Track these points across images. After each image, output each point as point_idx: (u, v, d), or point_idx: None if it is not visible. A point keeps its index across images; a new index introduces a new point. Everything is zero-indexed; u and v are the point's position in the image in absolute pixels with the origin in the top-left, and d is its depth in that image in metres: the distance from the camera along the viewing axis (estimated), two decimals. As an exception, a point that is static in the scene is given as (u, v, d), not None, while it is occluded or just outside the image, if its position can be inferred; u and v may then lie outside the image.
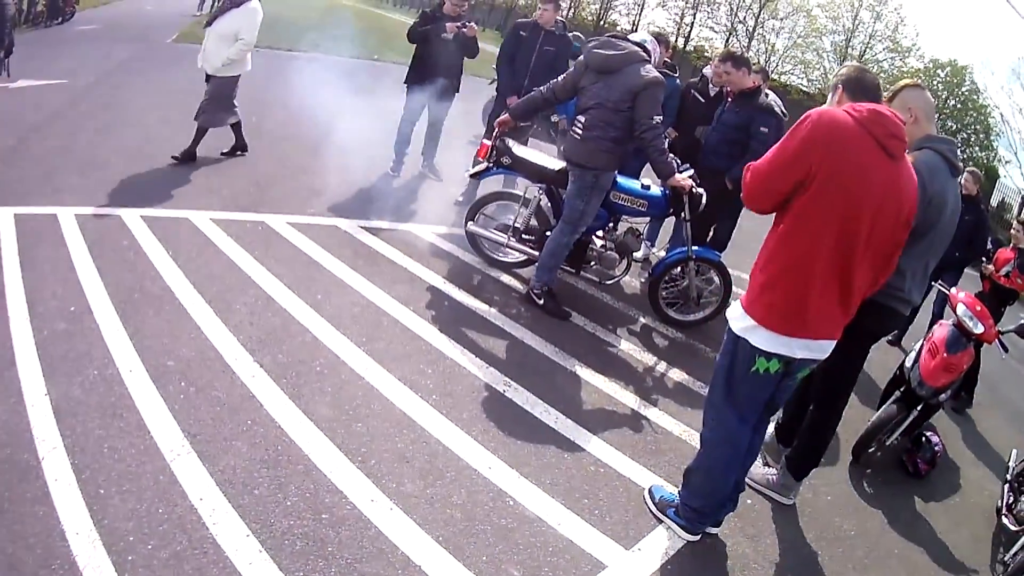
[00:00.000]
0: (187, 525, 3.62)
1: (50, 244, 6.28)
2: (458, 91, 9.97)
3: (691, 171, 7.00)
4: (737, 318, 3.88)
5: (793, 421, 5.40)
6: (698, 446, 4.33)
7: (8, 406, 4.20)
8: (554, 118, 9.79)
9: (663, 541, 4.33)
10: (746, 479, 4.87)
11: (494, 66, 10.05)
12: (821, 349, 3.80)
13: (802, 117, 3.55)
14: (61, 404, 4.29)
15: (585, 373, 6.06)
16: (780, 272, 3.65)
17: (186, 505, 3.75)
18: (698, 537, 4.38)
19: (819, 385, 4.95)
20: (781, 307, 3.66)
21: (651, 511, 4.49)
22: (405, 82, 9.81)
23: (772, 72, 41.54)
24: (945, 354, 5.81)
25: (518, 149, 7.41)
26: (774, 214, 3.77)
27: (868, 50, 49.34)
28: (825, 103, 4.05)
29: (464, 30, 9.38)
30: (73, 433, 4.07)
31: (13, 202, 6.93)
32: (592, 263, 7.43)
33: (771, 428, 5.67)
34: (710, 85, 8.78)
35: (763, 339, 3.72)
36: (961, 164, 4.50)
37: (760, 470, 5.11)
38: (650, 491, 4.61)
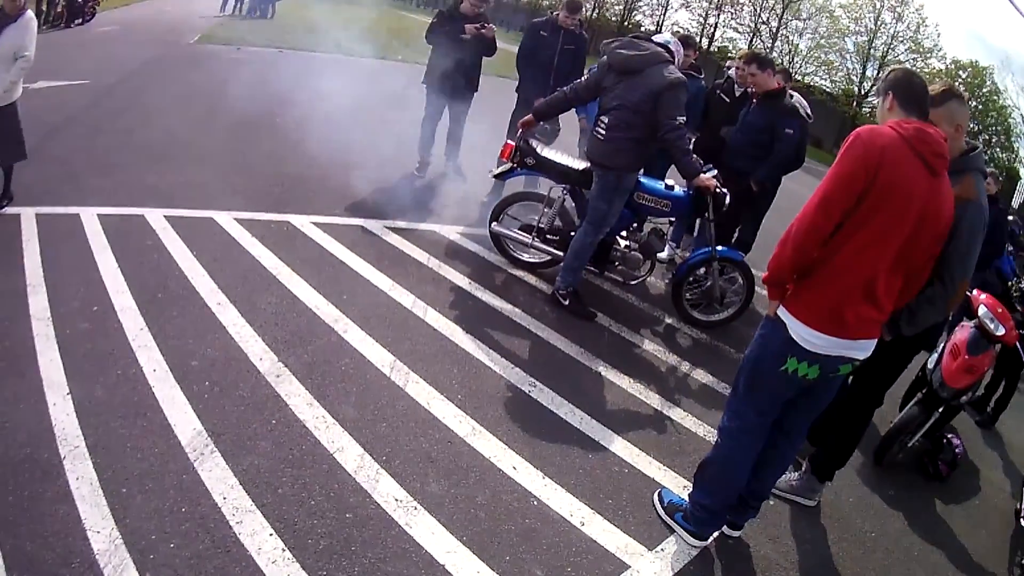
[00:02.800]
0: (210, 524, 3.62)
1: (73, 244, 6.31)
2: (476, 90, 9.92)
3: (715, 171, 6.95)
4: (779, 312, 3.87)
5: (825, 423, 5.39)
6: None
7: (29, 405, 4.22)
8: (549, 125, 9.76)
9: (684, 545, 4.30)
10: None
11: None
12: (861, 348, 3.77)
13: (850, 136, 3.56)
14: (83, 403, 4.30)
15: (610, 374, 6.03)
16: (820, 276, 3.65)
17: (209, 504, 3.75)
18: (706, 543, 4.33)
19: (853, 388, 4.93)
20: (818, 306, 3.66)
21: (659, 516, 4.47)
22: (423, 82, 9.78)
23: (795, 73, 41.44)
24: (966, 356, 5.76)
25: (542, 149, 7.40)
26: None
27: (890, 51, 49.38)
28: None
29: (483, 31, 9.36)
30: (95, 432, 4.08)
31: (35, 202, 6.98)
32: (616, 263, 7.39)
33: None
34: (735, 85, 8.76)
35: (801, 330, 3.70)
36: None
37: (782, 475, 5.08)
38: (659, 495, 4.58)
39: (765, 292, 4.01)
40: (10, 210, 6.76)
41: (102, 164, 8.57)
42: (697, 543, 4.31)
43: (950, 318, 5.64)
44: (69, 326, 5.09)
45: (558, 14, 9.22)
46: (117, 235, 6.58)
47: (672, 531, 4.36)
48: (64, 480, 3.72)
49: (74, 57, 15.33)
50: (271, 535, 3.63)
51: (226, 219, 7.43)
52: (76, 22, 21.62)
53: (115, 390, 4.49)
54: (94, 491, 3.68)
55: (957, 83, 44.34)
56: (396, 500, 4.04)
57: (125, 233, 6.68)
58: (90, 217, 6.86)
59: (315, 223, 7.82)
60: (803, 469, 5.08)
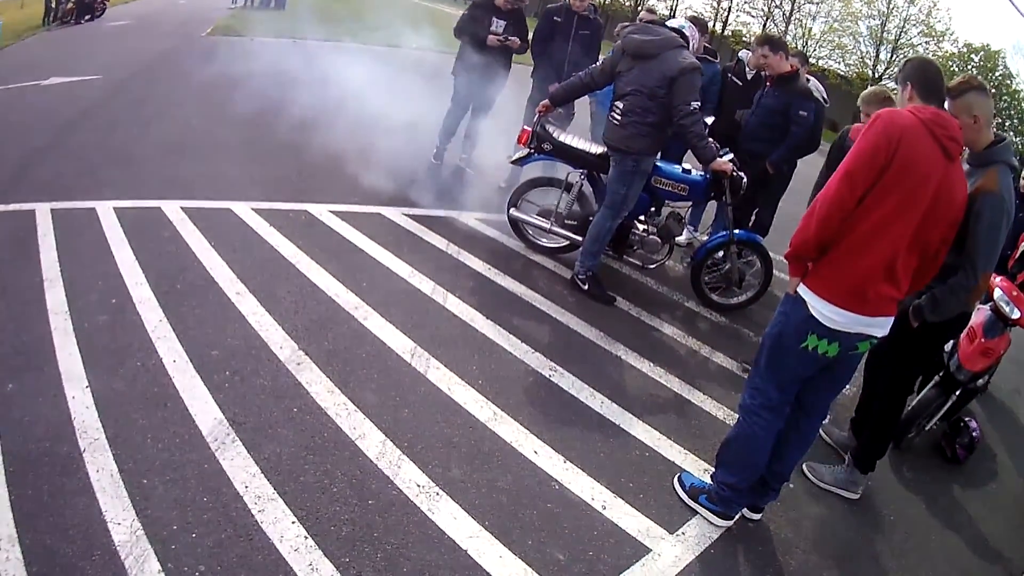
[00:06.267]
0: (232, 513, 3.63)
1: (89, 237, 6.32)
2: (504, 85, 9.79)
3: (731, 155, 6.94)
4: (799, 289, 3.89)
5: (865, 415, 5.38)
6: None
7: (48, 399, 4.23)
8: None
9: (706, 525, 4.30)
10: (812, 478, 5.03)
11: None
12: (880, 325, 3.80)
13: (871, 118, 3.65)
14: (103, 396, 4.31)
15: (629, 357, 6.02)
16: (840, 252, 3.69)
17: (231, 493, 3.76)
18: (732, 522, 4.34)
19: (887, 378, 4.96)
20: (839, 282, 3.70)
21: (681, 499, 4.46)
22: (452, 73, 9.72)
23: (810, 56, 41.32)
24: (983, 339, 5.75)
25: (559, 135, 7.39)
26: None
27: (903, 34, 48.98)
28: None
29: (508, 43, 9.24)
30: (115, 424, 4.09)
31: (50, 197, 6.99)
32: (635, 247, 7.39)
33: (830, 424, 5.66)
34: (747, 68, 8.72)
35: (821, 307, 3.73)
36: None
37: (825, 468, 5.09)
38: (679, 478, 4.57)
39: (784, 275, 4.01)
40: (25, 205, 6.76)
41: (117, 158, 8.59)
42: (723, 523, 4.32)
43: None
44: (87, 319, 5.10)
45: (573, 3, 9.15)
46: (134, 228, 6.59)
47: (694, 514, 4.36)
48: (84, 472, 3.73)
49: (86, 53, 15.39)
50: (293, 523, 3.64)
51: (243, 209, 7.44)
52: (87, 18, 21.69)
53: (134, 382, 4.50)
54: (114, 483, 3.68)
55: (970, 67, 44.29)
56: (418, 486, 4.05)
57: (142, 226, 6.68)
58: (106, 210, 6.87)
59: (333, 211, 7.83)
60: (846, 463, 5.08)
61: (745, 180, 6.97)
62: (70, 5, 21.24)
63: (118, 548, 3.32)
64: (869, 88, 5.94)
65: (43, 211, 6.68)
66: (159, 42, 18.05)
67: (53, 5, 20.70)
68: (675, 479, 4.59)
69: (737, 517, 4.39)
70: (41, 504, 3.50)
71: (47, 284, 5.49)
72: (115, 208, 6.94)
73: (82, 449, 3.88)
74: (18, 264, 5.75)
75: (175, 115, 11.00)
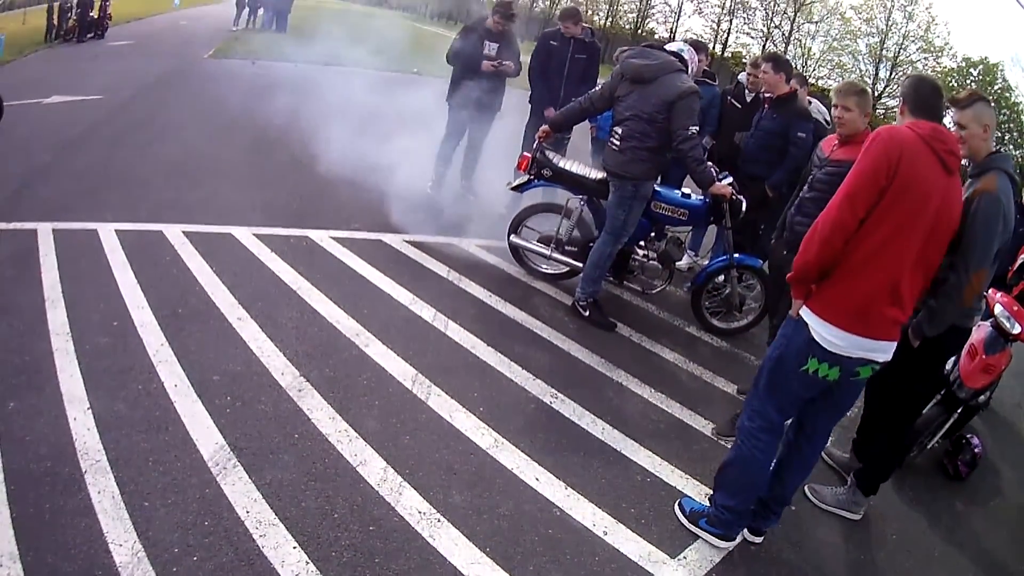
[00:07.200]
0: (233, 537, 3.64)
1: (91, 259, 6.35)
2: (499, 110, 9.78)
3: (731, 179, 6.93)
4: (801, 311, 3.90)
5: (868, 438, 5.38)
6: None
7: (50, 419, 4.24)
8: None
9: (708, 549, 4.29)
10: (814, 499, 5.02)
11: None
12: (882, 350, 3.80)
13: (871, 136, 3.70)
14: (104, 418, 4.32)
15: (631, 383, 6.01)
16: (843, 273, 3.70)
17: (232, 517, 3.76)
18: (733, 544, 4.34)
19: (893, 403, 4.95)
20: (842, 304, 3.71)
21: (683, 523, 4.45)
22: (447, 99, 9.67)
23: (809, 76, 41.36)
24: (983, 355, 5.76)
25: (558, 161, 7.39)
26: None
27: (902, 51, 49.15)
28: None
29: (501, 68, 9.20)
30: (117, 446, 4.10)
31: (52, 217, 7.03)
32: (635, 273, 7.38)
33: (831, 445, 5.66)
34: (746, 91, 8.75)
35: (823, 330, 3.74)
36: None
37: (827, 490, 5.08)
38: (680, 504, 4.56)
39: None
40: (27, 225, 6.80)
41: (118, 179, 8.65)
42: (725, 544, 4.32)
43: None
44: (88, 341, 5.12)
45: (564, 28, 9.12)
46: (135, 250, 6.62)
47: (695, 538, 4.35)
48: (85, 493, 3.74)
49: (88, 72, 15.46)
50: (295, 548, 3.64)
51: (245, 234, 7.46)
52: (89, 36, 21.78)
53: (136, 405, 4.51)
54: (116, 504, 3.70)
55: (969, 81, 44.40)
56: (419, 512, 4.05)
57: (143, 248, 6.71)
58: (108, 232, 6.90)
59: (334, 237, 7.84)
60: (848, 484, 5.08)
61: (745, 204, 6.96)
62: (72, 23, 21.33)
63: (119, 569, 3.33)
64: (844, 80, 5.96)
65: (45, 231, 6.72)
66: (161, 63, 18.11)
67: (55, 22, 20.80)
68: (676, 505, 4.58)
69: (739, 540, 4.39)
70: (43, 523, 3.52)
71: (48, 304, 5.53)
72: (116, 230, 6.97)
73: (83, 470, 3.90)
74: (20, 283, 5.79)
75: (176, 137, 11.06)
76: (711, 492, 4.51)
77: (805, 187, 5.22)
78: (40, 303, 5.53)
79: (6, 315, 5.32)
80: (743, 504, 4.24)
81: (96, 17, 22.44)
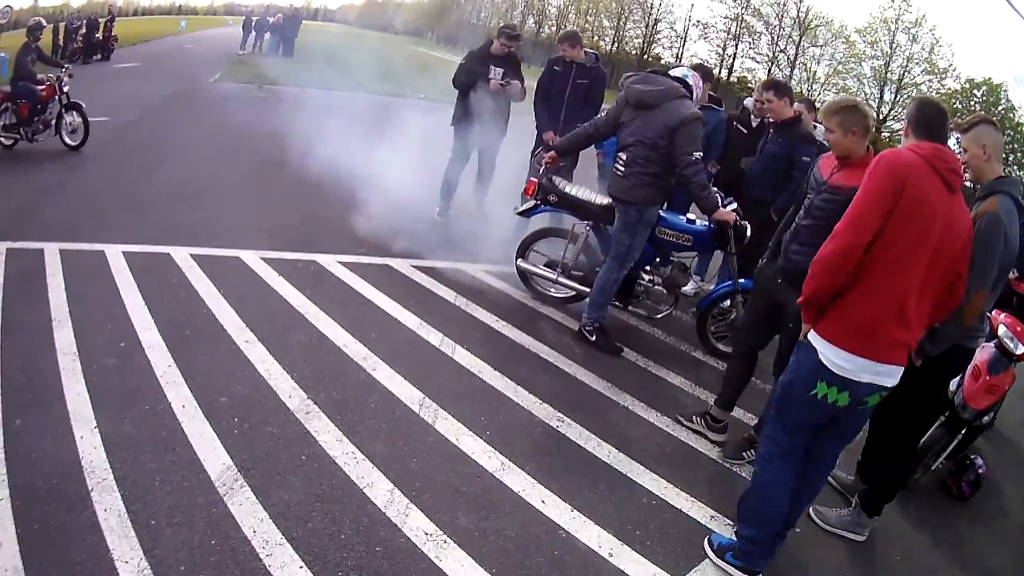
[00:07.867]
0: (240, 557, 3.64)
1: (98, 280, 6.40)
2: (505, 134, 9.82)
3: (735, 204, 6.96)
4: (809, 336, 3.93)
5: (873, 460, 5.38)
6: (749, 479, 4.35)
7: (56, 437, 4.27)
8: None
9: (713, 572, 4.29)
10: (819, 521, 5.00)
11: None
12: (889, 374, 3.81)
13: (875, 160, 3.73)
14: (111, 437, 4.35)
15: (637, 408, 6.01)
16: (850, 296, 3.73)
17: (239, 537, 3.77)
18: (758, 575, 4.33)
19: (898, 424, 4.96)
20: (849, 326, 3.73)
21: (711, 559, 4.40)
22: (452, 124, 9.74)
23: (816, 101, 41.60)
24: (987, 376, 5.77)
25: (564, 186, 7.42)
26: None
27: (906, 74, 49.32)
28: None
29: (508, 88, 9.27)
30: (123, 466, 4.12)
31: (58, 238, 7.09)
32: (641, 298, 7.39)
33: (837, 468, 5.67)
34: (751, 116, 8.78)
35: (830, 353, 3.77)
36: None
37: (832, 512, 5.07)
38: (708, 540, 4.52)
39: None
40: (34, 245, 6.86)
41: (125, 200, 8.72)
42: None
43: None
44: (96, 361, 5.14)
45: (562, 52, 9.12)
46: (142, 272, 6.66)
47: (701, 560, 4.35)
48: (92, 511, 3.76)
49: (94, 93, 15.47)
50: (301, 567, 3.65)
51: (252, 258, 7.51)
52: (95, 57, 21.90)
53: (143, 425, 4.53)
54: (122, 523, 3.71)
55: (973, 103, 44.41)
56: (426, 534, 4.05)
57: (151, 270, 6.76)
58: (115, 254, 6.96)
59: (341, 262, 7.88)
60: (853, 505, 5.08)
61: (749, 228, 6.96)
62: (78, 44, 21.43)
63: (126, 586, 3.32)
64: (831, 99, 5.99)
65: (52, 251, 6.78)
66: (167, 85, 18.25)
67: (61, 43, 20.92)
68: (705, 541, 4.55)
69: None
70: (48, 539, 3.54)
71: (56, 324, 5.57)
72: (124, 252, 7.03)
73: (90, 488, 3.91)
74: (27, 303, 5.83)
75: (182, 160, 11.16)
76: (717, 515, 4.56)
77: (801, 212, 5.23)
78: (47, 323, 5.57)
79: (13, 334, 5.35)
80: (764, 534, 4.22)
81: (101, 38, 22.58)
